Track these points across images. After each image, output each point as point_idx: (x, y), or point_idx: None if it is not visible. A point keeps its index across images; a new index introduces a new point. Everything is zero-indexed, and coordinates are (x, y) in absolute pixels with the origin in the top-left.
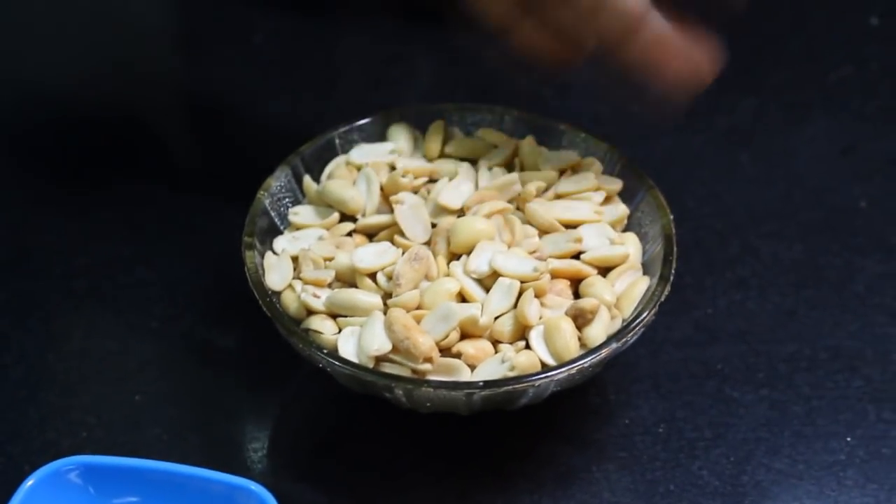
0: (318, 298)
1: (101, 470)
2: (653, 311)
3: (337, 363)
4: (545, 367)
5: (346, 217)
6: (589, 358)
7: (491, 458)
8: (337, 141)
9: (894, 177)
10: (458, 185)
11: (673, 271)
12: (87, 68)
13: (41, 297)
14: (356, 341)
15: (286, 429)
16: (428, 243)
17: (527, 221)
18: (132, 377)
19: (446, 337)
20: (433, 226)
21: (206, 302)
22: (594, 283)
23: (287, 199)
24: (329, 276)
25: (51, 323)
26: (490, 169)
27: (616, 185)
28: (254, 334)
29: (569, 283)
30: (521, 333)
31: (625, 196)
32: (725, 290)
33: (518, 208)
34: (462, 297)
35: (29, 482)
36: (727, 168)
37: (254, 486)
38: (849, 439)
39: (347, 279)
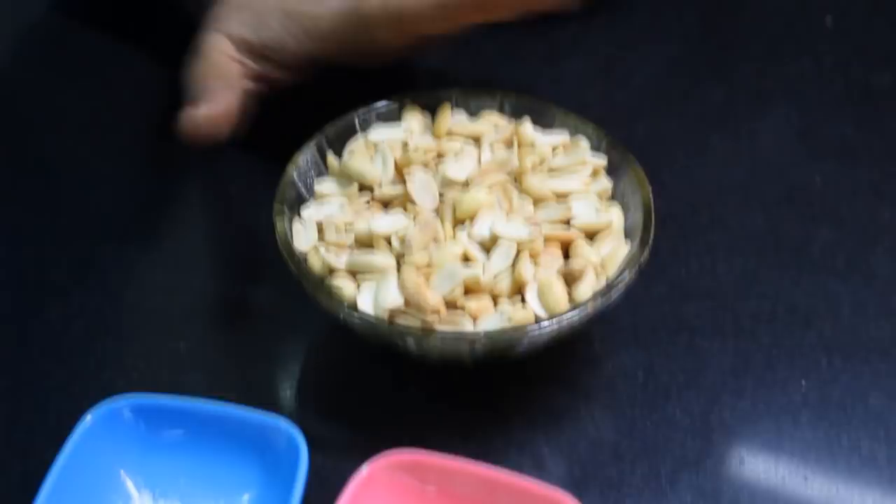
0: (340, 259)
1: (149, 408)
2: (634, 272)
3: (356, 316)
4: (539, 320)
5: (364, 188)
6: (577, 312)
7: (491, 400)
8: (357, 122)
9: (846, 157)
10: (462, 161)
11: (651, 237)
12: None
13: (99, 259)
14: (373, 297)
15: (312, 375)
16: (436, 211)
17: (523, 193)
18: (177, 328)
19: (452, 293)
20: (441, 196)
21: (242, 263)
22: (582, 246)
23: (312, 173)
24: (349, 239)
25: (106, 281)
26: (491, 147)
27: (602, 161)
28: (283, 291)
29: (560, 246)
30: (518, 290)
31: (609, 171)
32: (697, 254)
33: (516, 181)
34: (466, 259)
35: (87, 418)
36: (699, 148)
37: (282, 423)
38: (803, 383)
39: (365, 242)
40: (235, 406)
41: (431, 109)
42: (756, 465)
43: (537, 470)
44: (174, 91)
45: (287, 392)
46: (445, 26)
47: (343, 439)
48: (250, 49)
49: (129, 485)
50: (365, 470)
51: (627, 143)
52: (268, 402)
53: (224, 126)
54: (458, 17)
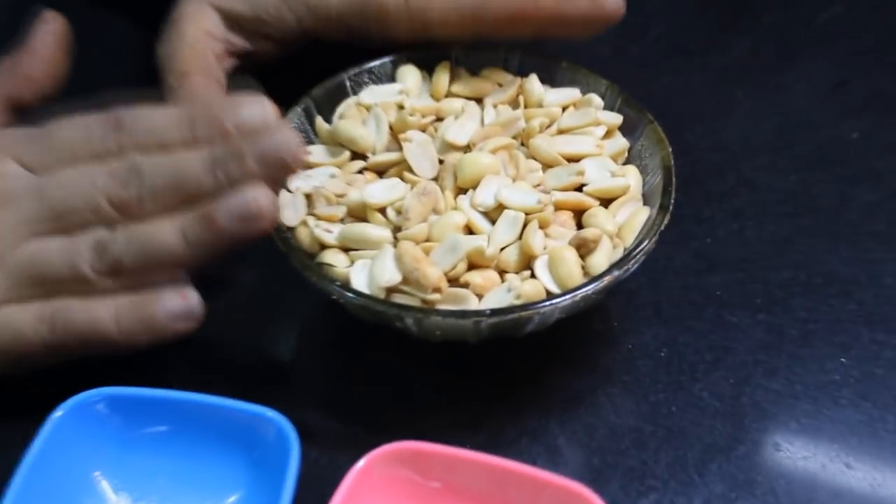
0: (331, 233)
1: (126, 401)
2: (653, 240)
3: (349, 294)
4: (550, 295)
5: (357, 156)
6: (592, 285)
7: (500, 385)
8: (347, 83)
9: (884, 110)
10: (464, 123)
11: (672, 201)
12: None
13: None
14: (367, 273)
15: (304, 360)
16: (436, 179)
17: (531, 156)
18: None
19: (454, 268)
20: (440, 162)
21: None
22: (596, 213)
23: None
24: (341, 211)
25: None
26: (495, 107)
27: (616, 119)
28: (270, 270)
29: (572, 214)
30: (527, 263)
31: (625, 130)
32: (723, 220)
33: (522, 144)
34: (469, 230)
35: (57, 413)
36: (723, 105)
37: (271, 414)
38: (843, 360)
39: (358, 214)
40: (220, 397)
41: (429, 68)
42: (793, 452)
43: (552, 461)
44: (151, 59)
45: (277, 381)
46: (467, 35)
47: (338, 431)
48: (239, 23)
49: (105, 486)
50: (362, 463)
51: (644, 100)
52: (255, 393)
53: None
54: (483, 29)
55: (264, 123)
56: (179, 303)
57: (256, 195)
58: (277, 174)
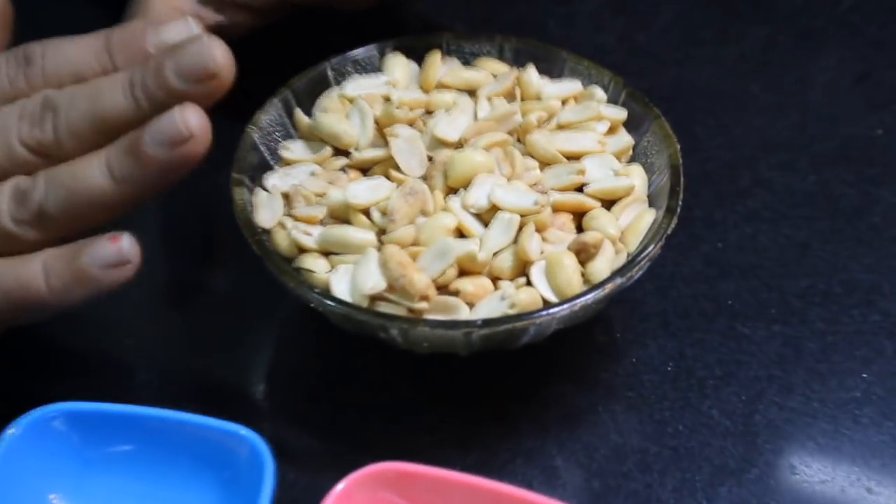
0: (310, 236)
1: (86, 417)
2: (659, 245)
3: (329, 302)
4: (547, 304)
5: (339, 152)
6: (592, 293)
7: (493, 401)
8: (330, 73)
9: None
10: (455, 117)
11: (680, 203)
12: None
13: None
14: (350, 280)
15: (280, 373)
16: (424, 178)
17: (527, 153)
18: (120, 323)
19: (443, 274)
20: (429, 160)
21: (197, 243)
22: (598, 216)
23: (278, 134)
24: (321, 212)
25: None
26: (489, 100)
27: (620, 114)
28: (246, 277)
29: (571, 216)
30: (522, 269)
31: (630, 126)
32: (736, 223)
33: (518, 140)
34: (460, 233)
35: (10, 431)
36: (737, 98)
37: (244, 432)
38: (865, 376)
39: (340, 216)
40: (189, 414)
41: (418, 57)
42: (809, 475)
43: (549, 484)
44: None
45: (251, 396)
46: None
47: (317, 451)
48: None
49: None
50: (342, 486)
51: (652, 94)
52: (228, 409)
53: None
54: None
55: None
56: (111, 247)
57: (185, 114)
58: (205, 90)
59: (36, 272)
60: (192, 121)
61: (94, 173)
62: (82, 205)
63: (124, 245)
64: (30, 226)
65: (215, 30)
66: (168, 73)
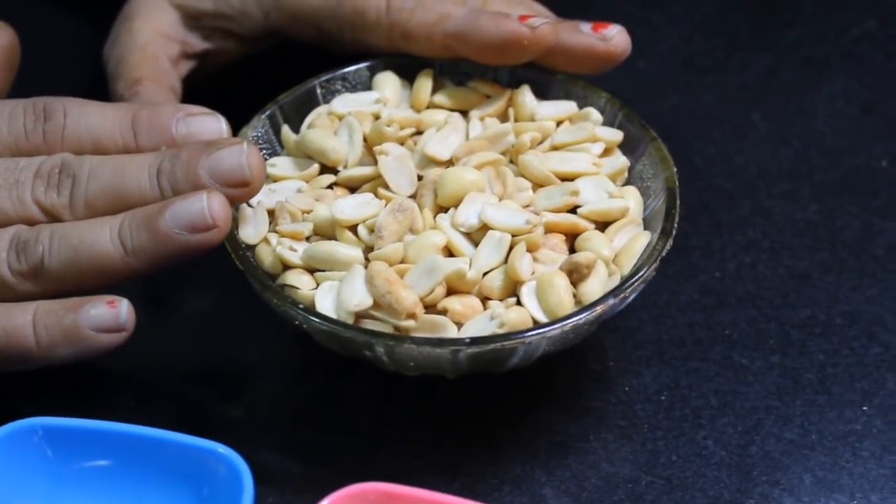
0: (295, 252)
1: (61, 432)
2: (653, 267)
3: (314, 319)
4: (537, 324)
5: (326, 169)
6: (584, 314)
7: (480, 427)
8: (318, 90)
9: None
10: (446, 136)
11: (675, 226)
12: None
13: None
14: (335, 297)
15: (263, 396)
16: (414, 196)
17: (520, 174)
18: None
19: (431, 292)
20: (419, 178)
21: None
22: (591, 237)
23: (264, 151)
24: (307, 228)
25: None
26: (482, 120)
27: (616, 136)
28: (227, 292)
29: (564, 237)
30: (512, 290)
31: (626, 149)
32: (735, 252)
33: (511, 161)
34: (449, 252)
35: None
36: (738, 127)
37: (222, 450)
38: (865, 408)
39: (327, 233)
40: (165, 431)
41: (409, 76)
42: None
43: None
44: (97, 62)
45: (232, 418)
46: (449, 56)
47: (299, 475)
48: (199, 20)
49: None
50: None
51: (651, 121)
52: (207, 429)
53: None
54: (469, 52)
55: (218, 138)
56: (107, 311)
57: (212, 202)
58: (232, 194)
59: (25, 323)
60: (216, 209)
61: (103, 239)
62: (85, 268)
63: (122, 311)
64: (26, 278)
65: (202, 57)
66: (201, 172)
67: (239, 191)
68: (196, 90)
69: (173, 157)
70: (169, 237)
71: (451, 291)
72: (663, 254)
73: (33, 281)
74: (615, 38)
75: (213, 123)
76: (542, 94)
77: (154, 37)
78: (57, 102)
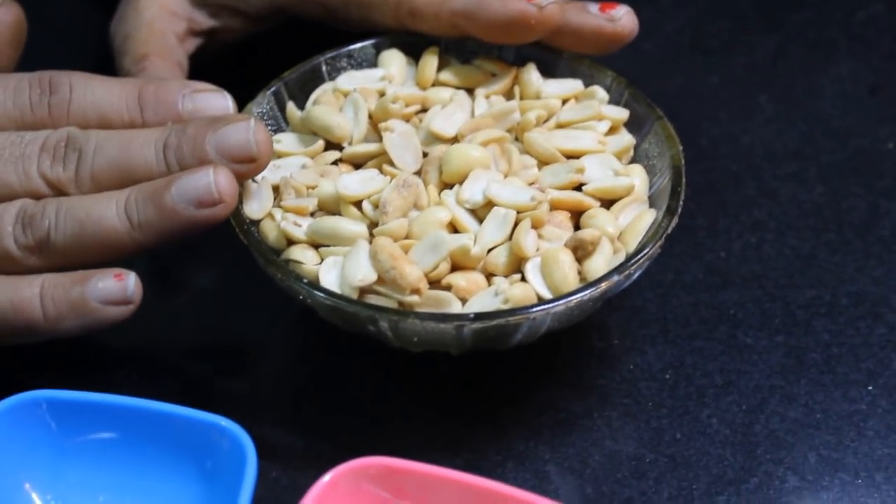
0: (300, 227)
1: (64, 405)
2: (658, 245)
3: (318, 294)
4: (541, 300)
5: (331, 145)
6: (588, 291)
7: (484, 404)
8: (324, 67)
9: None
10: (452, 113)
11: (681, 203)
12: None
13: None
14: (339, 272)
15: (267, 372)
16: (419, 173)
17: (525, 151)
18: None
19: (436, 268)
20: (424, 155)
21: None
22: (596, 215)
23: (269, 127)
24: (311, 203)
25: None
26: (487, 98)
27: (622, 114)
28: (232, 267)
29: (569, 215)
30: (517, 266)
31: (631, 127)
32: (740, 232)
33: (517, 139)
34: (453, 229)
35: None
36: (744, 109)
37: (225, 423)
38: (870, 388)
39: (331, 208)
40: (169, 404)
41: (415, 53)
42: (811, 487)
43: (540, 489)
44: (104, 39)
45: (235, 391)
46: (456, 34)
47: (302, 450)
48: None
49: (35, 500)
50: (328, 478)
51: (657, 102)
52: (211, 404)
53: None
54: (476, 30)
55: (224, 114)
56: (114, 284)
57: (219, 177)
58: (239, 170)
59: (32, 296)
60: (223, 184)
61: (109, 213)
62: (91, 242)
63: (129, 284)
64: (32, 252)
65: (209, 34)
66: (208, 147)
67: (245, 167)
68: (202, 68)
69: (180, 132)
70: (175, 212)
71: (455, 267)
72: (668, 231)
73: (39, 255)
74: (623, 18)
75: (219, 100)
76: (547, 72)
77: (161, 13)
78: (62, 76)
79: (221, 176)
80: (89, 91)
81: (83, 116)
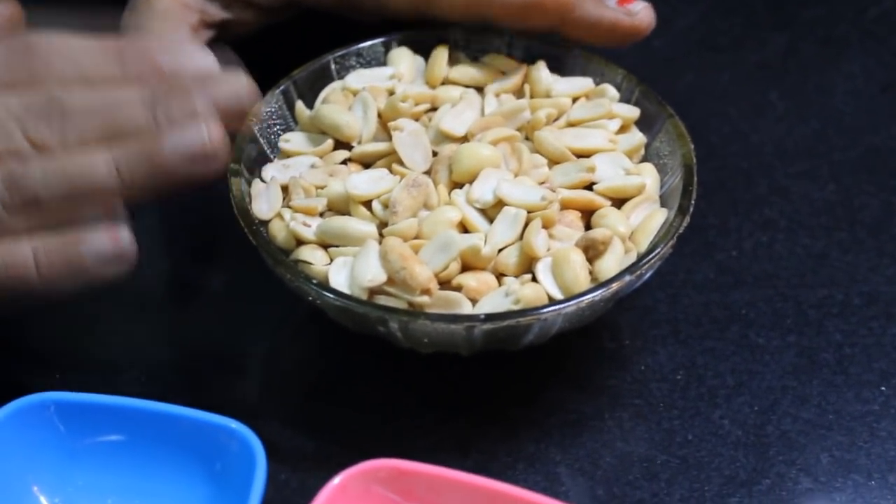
0: (309, 227)
1: (72, 407)
2: (669, 244)
3: (327, 294)
4: (552, 301)
5: (340, 145)
6: (600, 291)
7: (494, 405)
8: (333, 66)
9: None
10: (461, 112)
11: (692, 203)
12: None
13: None
14: (348, 272)
15: (276, 373)
16: (428, 172)
17: (536, 150)
18: (109, 317)
19: (446, 268)
20: (434, 154)
21: (191, 234)
22: (607, 214)
23: (278, 127)
24: (321, 203)
25: None
26: (497, 96)
27: (633, 112)
28: (240, 268)
29: (580, 214)
30: (528, 266)
31: (642, 125)
32: (752, 231)
33: (527, 138)
34: (464, 228)
35: None
36: (756, 106)
37: (234, 425)
38: (883, 388)
39: (340, 208)
40: (177, 406)
41: (425, 51)
42: (823, 488)
43: (551, 490)
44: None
45: (244, 393)
46: (472, 18)
47: (311, 452)
48: None
49: (43, 502)
50: (338, 481)
51: (667, 99)
52: (220, 406)
53: None
54: (492, 13)
55: (207, 71)
56: (109, 242)
57: (212, 131)
58: (229, 125)
59: (26, 256)
60: (216, 138)
61: (98, 170)
62: (80, 199)
63: (123, 240)
64: (19, 211)
65: (221, 27)
66: (197, 102)
67: (236, 123)
68: None
69: (167, 88)
70: (168, 167)
71: (465, 268)
72: (680, 231)
73: (26, 214)
74: (640, 13)
75: (203, 58)
76: (558, 70)
77: (173, 5)
78: (38, 37)
79: (214, 129)
80: (67, 49)
81: (63, 76)
